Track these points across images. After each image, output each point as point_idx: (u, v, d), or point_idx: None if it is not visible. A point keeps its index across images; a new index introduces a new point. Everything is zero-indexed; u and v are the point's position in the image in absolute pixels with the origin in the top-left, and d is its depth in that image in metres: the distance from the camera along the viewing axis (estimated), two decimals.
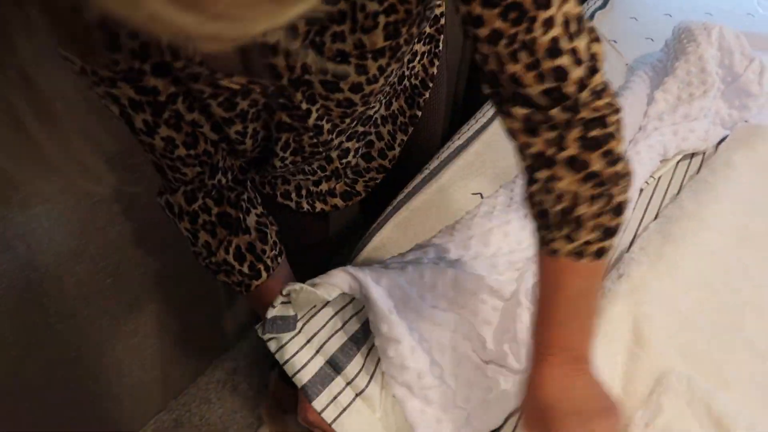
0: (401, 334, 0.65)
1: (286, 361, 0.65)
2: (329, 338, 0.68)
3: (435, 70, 0.79)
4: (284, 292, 0.63)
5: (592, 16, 1.42)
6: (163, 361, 1.27)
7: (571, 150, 0.49)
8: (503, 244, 0.84)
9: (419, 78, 0.78)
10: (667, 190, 0.97)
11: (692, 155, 1.03)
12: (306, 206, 0.83)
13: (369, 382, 0.67)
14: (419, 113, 0.80)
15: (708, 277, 0.80)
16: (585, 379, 0.55)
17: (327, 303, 0.68)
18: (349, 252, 0.89)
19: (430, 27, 0.75)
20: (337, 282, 0.64)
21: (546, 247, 0.53)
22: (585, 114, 0.48)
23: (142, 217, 0.96)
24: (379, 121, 0.80)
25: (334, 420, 0.64)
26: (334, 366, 0.67)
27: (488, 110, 1.08)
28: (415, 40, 0.62)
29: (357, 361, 0.68)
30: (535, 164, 0.52)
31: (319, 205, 0.84)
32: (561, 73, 0.46)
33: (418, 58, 0.76)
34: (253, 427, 1.32)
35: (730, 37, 1.07)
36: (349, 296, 0.68)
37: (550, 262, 0.53)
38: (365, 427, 0.65)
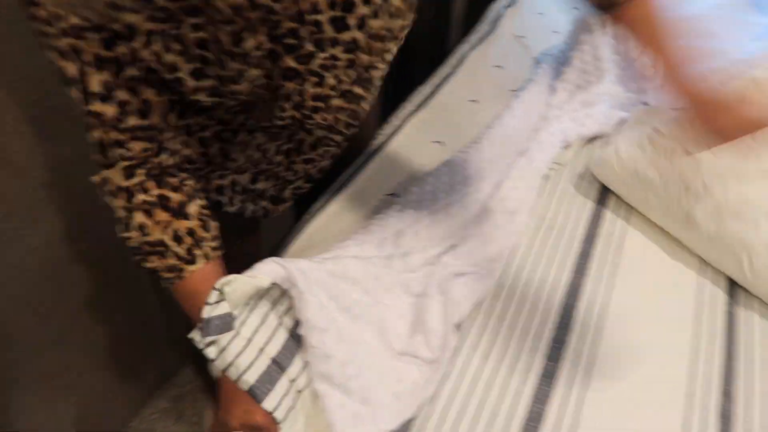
0: (326, 323, 0.66)
1: (229, 365, 0.63)
2: (271, 337, 0.67)
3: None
4: (217, 286, 0.62)
5: (500, 16, 1.46)
6: (103, 395, 1.24)
7: None
8: (415, 243, 0.86)
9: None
10: (571, 174, 1.00)
11: (594, 139, 1.06)
12: (237, 205, 0.82)
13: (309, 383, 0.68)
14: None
15: None
16: None
17: (260, 300, 0.67)
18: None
19: None
20: (266, 271, 0.64)
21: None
22: None
23: (60, 253, 0.95)
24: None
25: (285, 419, 0.63)
26: (279, 365, 0.66)
27: (403, 113, 1.10)
28: None
29: (298, 361, 0.67)
30: None
31: (249, 206, 0.84)
32: None
33: None
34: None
35: None
36: (280, 290, 0.68)
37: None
38: (308, 429, 0.66)
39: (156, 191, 0.62)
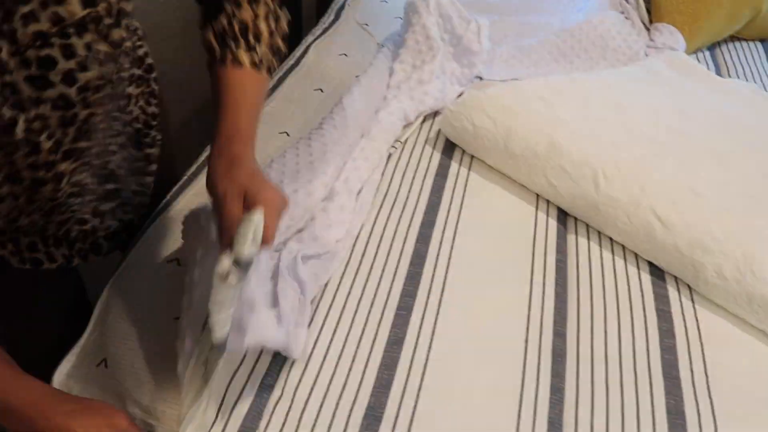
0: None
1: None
2: None
3: (155, 109, 0.79)
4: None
5: (343, 5, 1.49)
6: None
7: None
8: None
9: (141, 121, 0.78)
10: (412, 150, 1.05)
11: (434, 115, 1.11)
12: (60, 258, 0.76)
13: None
14: (153, 151, 0.82)
15: None
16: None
17: None
18: None
19: (138, 68, 0.75)
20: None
21: (230, 58, 0.65)
22: None
23: None
24: (121, 172, 0.77)
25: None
26: None
27: None
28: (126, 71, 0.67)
29: None
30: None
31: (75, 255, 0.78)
32: None
33: (133, 101, 0.76)
34: None
35: (447, 4, 1.17)
36: None
37: (235, 73, 0.66)
38: None
39: None
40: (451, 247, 0.88)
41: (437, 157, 1.04)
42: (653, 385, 0.73)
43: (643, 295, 0.84)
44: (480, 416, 0.68)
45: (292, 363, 0.72)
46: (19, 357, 0.59)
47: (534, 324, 0.78)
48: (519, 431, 0.67)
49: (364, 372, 0.72)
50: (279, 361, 0.72)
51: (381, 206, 0.94)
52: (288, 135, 1.07)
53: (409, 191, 0.97)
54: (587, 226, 0.93)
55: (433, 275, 0.84)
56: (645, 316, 0.81)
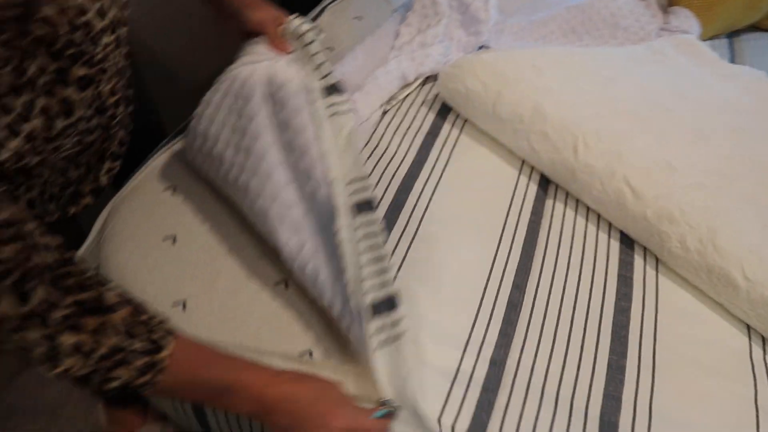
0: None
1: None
2: None
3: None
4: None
5: None
6: None
7: None
8: None
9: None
10: (408, 110, 1.08)
11: (435, 78, 1.14)
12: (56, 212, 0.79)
13: None
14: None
15: None
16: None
17: None
18: None
19: None
20: None
21: None
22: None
23: None
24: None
25: None
26: None
27: None
28: None
29: None
30: None
31: (71, 208, 0.81)
32: None
33: None
34: (90, 401, 1.33)
35: None
36: None
37: None
38: None
39: (69, 299, 0.50)
40: (429, 201, 0.92)
41: (431, 118, 1.07)
42: (600, 341, 0.76)
43: (608, 260, 0.86)
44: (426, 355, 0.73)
45: None
46: None
47: (495, 275, 0.82)
48: (461, 366, 0.71)
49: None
50: None
51: (369, 157, 0.98)
52: None
53: (398, 147, 1.01)
54: (567, 193, 0.96)
55: (405, 225, 0.88)
56: (606, 279, 0.84)
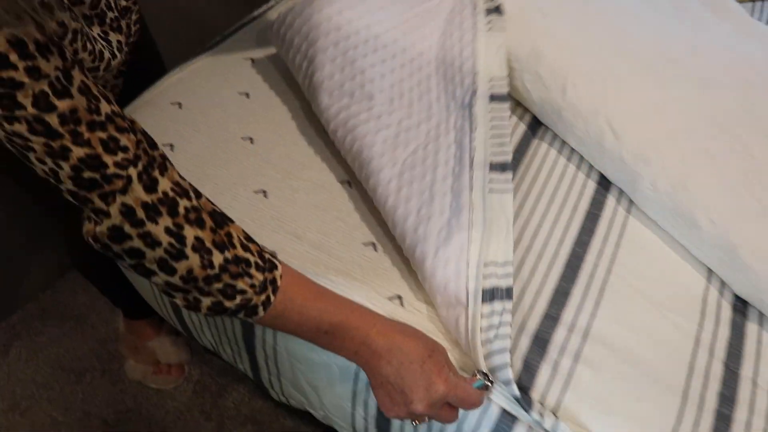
0: None
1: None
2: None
3: None
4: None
5: None
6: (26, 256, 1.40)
7: None
8: None
9: None
10: None
11: None
12: None
13: None
14: None
15: None
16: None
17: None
18: None
19: None
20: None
21: None
22: None
23: None
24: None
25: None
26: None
27: None
28: None
29: None
30: None
31: None
32: None
33: None
34: (115, 312, 1.46)
35: None
36: None
37: None
38: None
39: (192, 196, 0.50)
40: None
41: None
42: (552, 268, 0.78)
43: (580, 198, 0.88)
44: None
45: None
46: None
47: None
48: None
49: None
50: None
51: None
52: None
53: None
54: (554, 135, 0.97)
55: None
56: (573, 214, 0.85)
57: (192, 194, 0.51)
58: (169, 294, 0.50)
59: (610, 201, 0.88)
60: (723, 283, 0.79)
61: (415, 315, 0.72)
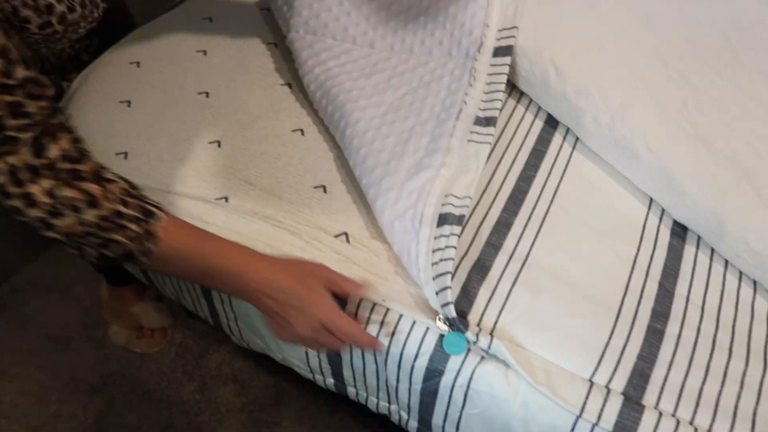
0: None
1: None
2: None
3: None
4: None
5: None
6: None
7: None
8: None
9: None
10: None
11: None
12: None
13: None
14: None
15: None
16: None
17: None
18: None
19: None
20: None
21: None
22: None
23: None
24: None
25: None
26: None
27: None
28: None
29: None
30: None
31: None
32: None
33: None
34: (99, 280, 1.49)
35: None
36: None
37: None
38: None
39: (76, 164, 0.55)
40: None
41: None
42: (494, 203, 0.80)
43: (527, 137, 0.90)
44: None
45: None
46: None
47: None
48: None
49: None
50: None
51: None
52: None
53: None
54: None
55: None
56: (518, 152, 0.87)
57: (80, 160, 0.55)
58: (64, 246, 0.55)
59: (557, 138, 0.89)
60: (663, 211, 0.81)
61: (360, 250, 0.75)
